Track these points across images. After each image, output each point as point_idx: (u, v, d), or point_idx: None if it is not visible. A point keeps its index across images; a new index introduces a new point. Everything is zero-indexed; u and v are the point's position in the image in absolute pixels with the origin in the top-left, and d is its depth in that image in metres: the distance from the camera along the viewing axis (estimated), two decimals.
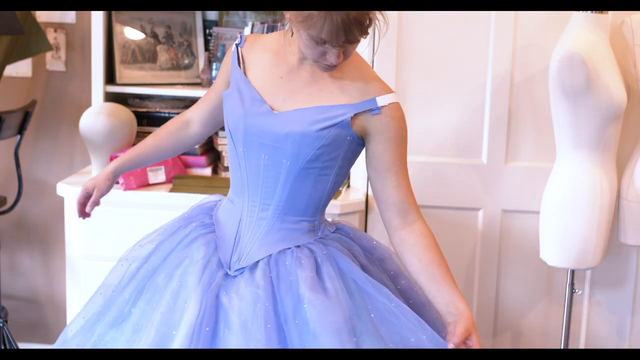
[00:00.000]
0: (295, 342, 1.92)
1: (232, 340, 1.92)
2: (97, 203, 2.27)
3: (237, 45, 2.15)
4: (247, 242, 2.09)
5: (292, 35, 2.03)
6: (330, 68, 1.99)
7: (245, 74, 2.10)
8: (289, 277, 2.00)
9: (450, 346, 1.91)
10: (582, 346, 3.26)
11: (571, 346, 3.19)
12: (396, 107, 2.04)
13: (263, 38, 2.16)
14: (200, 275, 2.03)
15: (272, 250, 2.06)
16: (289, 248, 2.07)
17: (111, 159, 3.16)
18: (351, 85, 2.04)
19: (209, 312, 1.96)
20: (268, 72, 2.08)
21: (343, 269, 2.05)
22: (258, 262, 2.05)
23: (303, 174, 2.04)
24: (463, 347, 1.93)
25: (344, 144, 2.04)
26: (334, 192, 2.13)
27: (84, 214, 2.29)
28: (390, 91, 2.05)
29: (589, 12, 2.81)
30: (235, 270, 2.05)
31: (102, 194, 2.27)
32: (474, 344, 1.94)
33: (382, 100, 2.03)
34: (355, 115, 2.02)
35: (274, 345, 1.91)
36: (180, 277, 2.05)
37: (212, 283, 2.02)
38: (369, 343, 1.94)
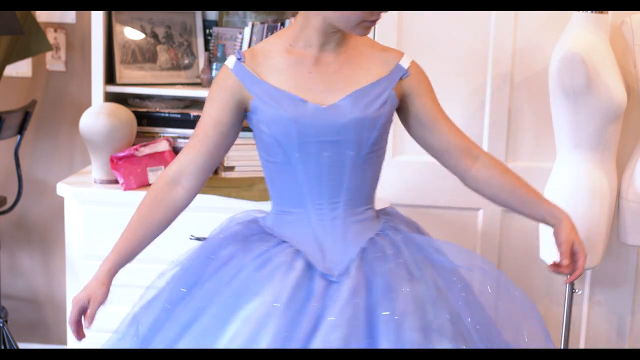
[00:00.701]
0: (382, 337, 1.88)
1: (315, 342, 1.85)
2: (93, 317, 1.96)
3: (239, 60, 2.03)
4: (332, 246, 2.02)
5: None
6: (371, 26, 1.98)
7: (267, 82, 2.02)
8: (380, 270, 1.97)
9: (561, 259, 2.07)
10: (582, 346, 3.26)
11: (571, 346, 3.18)
12: (415, 64, 2.12)
13: (261, 47, 2.08)
14: (293, 291, 1.91)
15: (359, 244, 2.02)
16: (372, 238, 2.05)
17: (111, 160, 3.16)
18: (372, 58, 2.07)
19: (305, 327, 1.88)
20: (291, 72, 2.02)
21: (421, 246, 2.08)
22: (353, 260, 2.00)
23: (365, 161, 2.03)
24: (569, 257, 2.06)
25: (392, 119, 2.08)
26: (380, 173, 2.13)
27: (80, 334, 1.99)
28: (402, 53, 2.12)
29: (589, 12, 2.81)
30: (339, 276, 1.97)
31: (100, 304, 1.97)
32: (579, 249, 2.06)
33: (405, 63, 2.09)
34: (395, 85, 2.06)
35: (353, 343, 1.85)
36: (261, 295, 1.91)
37: (311, 297, 1.92)
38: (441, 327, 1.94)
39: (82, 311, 1.96)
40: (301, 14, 2.01)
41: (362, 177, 2.05)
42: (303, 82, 2.00)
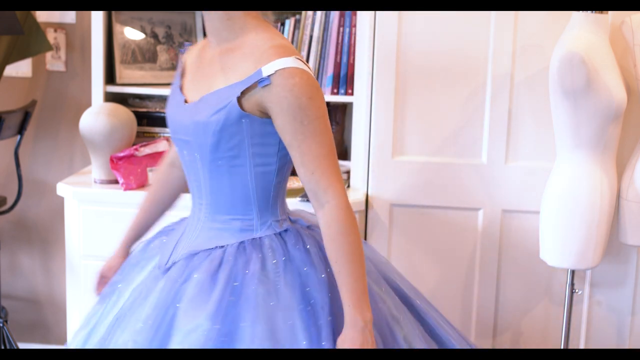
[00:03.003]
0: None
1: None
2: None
3: (182, 53, 2.17)
4: (182, 244, 2.02)
5: None
6: None
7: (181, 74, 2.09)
8: (191, 277, 1.91)
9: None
10: (582, 346, 3.26)
11: (571, 346, 3.19)
12: (287, 73, 1.80)
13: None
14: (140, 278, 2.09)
15: (193, 249, 1.97)
16: (213, 249, 1.95)
17: (111, 160, 3.16)
18: (247, 57, 1.87)
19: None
20: (192, 64, 2.07)
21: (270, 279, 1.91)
22: (174, 264, 1.97)
23: (214, 167, 1.92)
24: None
25: (241, 128, 1.87)
26: (268, 185, 1.95)
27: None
28: (284, 55, 1.82)
29: (589, 12, 2.81)
30: (164, 269, 2.00)
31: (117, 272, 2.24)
32: None
33: (269, 69, 1.80)
34: (243, 92, 1.84)
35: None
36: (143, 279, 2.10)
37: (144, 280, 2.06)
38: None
39: (104, 279, 2.24)
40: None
41: (217, 184, 1.94)
42: (191, 77, 2.04)
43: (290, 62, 1.81)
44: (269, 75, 1.81)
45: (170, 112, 2.03)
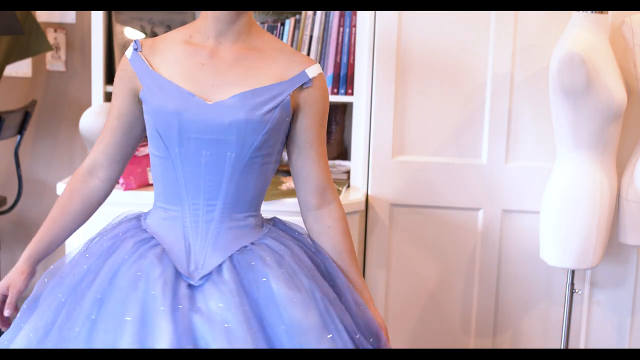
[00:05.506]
0: (287, 345, 1.86)
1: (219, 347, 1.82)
2: (13, 304, 2.02)
3: (135, 50, 2.00)
4: (200, 249, 1.96)
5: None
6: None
7: (158, 73, 1.97)
8: (262, 279, 1.90)
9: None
10: (582, 346, 3.26)
11: (571, 346, 3.19)
12: (322, 78, 2.02)
13: (164, 37, 2.04)
14: (163, 294, 1.86)
15: (230, 251, 1.96)
16: (246, 246, 1.97)
17: None
18: (276, 59, 1.99)
19: (186, 329, 1.82)
20: (185, 64, 1.97)
21: (306, 262, 2.01)
22: (221, 266, 1.93)
23: (249, 165, 1.96)
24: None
25: (283, 126, 1.98)
26: (269, 182, 2.06)
27: (4, 322, 2.05)
28: (313, 62, 2.02)
29: (589, 12, 2.81)
30: (199, 279, 1.92)
31: (21, 291, 2.02)
32: (384, 326, 2.07)
33: (312, 72, 2.00)
34: (293, 92, 1.97)
35: (262, 347, 1.82)
36: (141, 301, 1.86)
37: (178, 297, 1.87)
38: (340, 340, 1.91)
39: (3, 299, 2.02)
40: None
41: (245, 182, 1.98)
42: (194, 74, 1.95)
43: (320, 68, 2.02)
44: (312, 78, 1.99)
45: (186, 111, 1.92)
